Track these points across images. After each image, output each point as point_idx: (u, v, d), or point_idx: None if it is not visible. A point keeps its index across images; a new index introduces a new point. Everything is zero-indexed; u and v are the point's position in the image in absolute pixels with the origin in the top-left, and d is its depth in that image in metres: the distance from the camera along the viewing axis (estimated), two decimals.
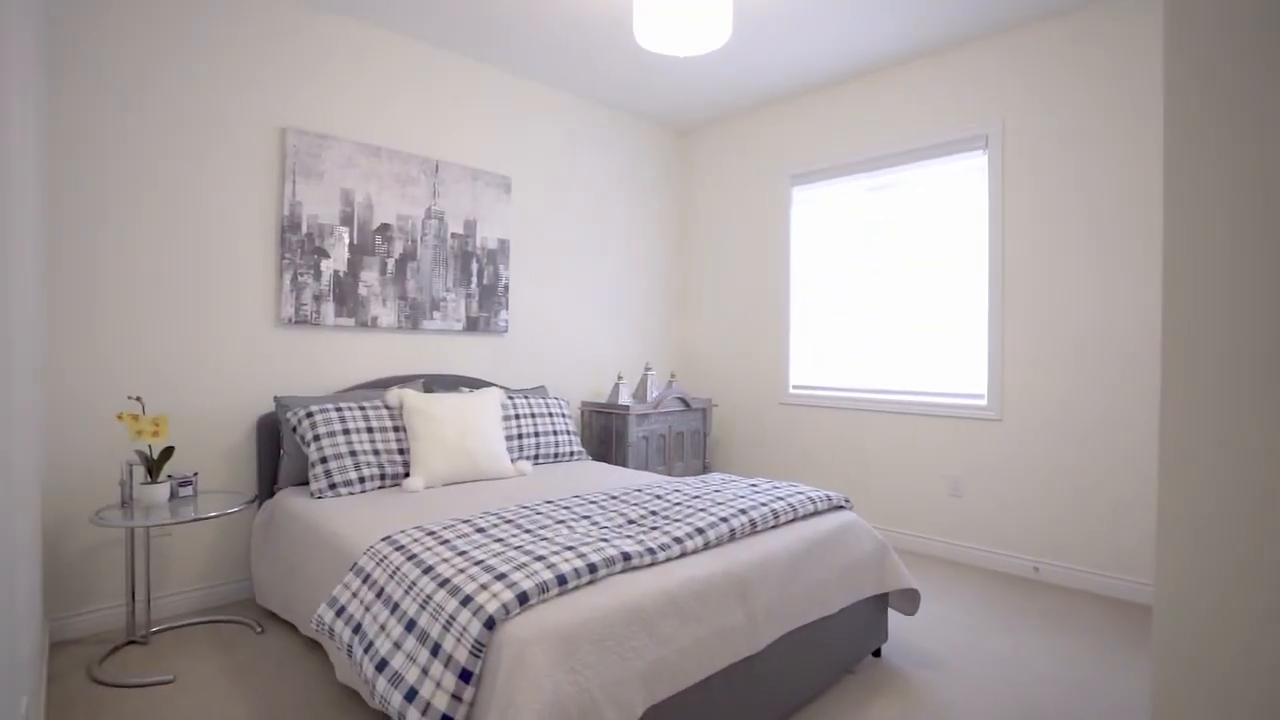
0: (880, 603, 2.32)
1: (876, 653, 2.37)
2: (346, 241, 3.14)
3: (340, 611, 1.75)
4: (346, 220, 3.14)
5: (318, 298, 3.05)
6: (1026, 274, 3.21)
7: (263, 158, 2.91)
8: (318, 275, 3.04)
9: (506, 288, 3.77)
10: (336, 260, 3.10)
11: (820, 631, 2.05)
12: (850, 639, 2.17)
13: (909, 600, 2.38)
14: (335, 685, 2.13)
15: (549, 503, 2.22)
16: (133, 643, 2.42)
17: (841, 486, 3.93)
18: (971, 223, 3.44)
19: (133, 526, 2.21)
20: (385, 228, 3.27)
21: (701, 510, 2.09)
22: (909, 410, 3.62)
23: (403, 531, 1.88)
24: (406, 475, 2.76)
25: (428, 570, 1.62)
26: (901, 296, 3.71)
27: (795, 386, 4.22)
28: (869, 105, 3.80)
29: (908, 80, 3.63)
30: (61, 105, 2.44)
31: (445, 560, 1.65)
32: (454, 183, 3.52)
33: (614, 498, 2.31)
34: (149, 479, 2.35)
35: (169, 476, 2.46)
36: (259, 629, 2.54)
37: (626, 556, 1.70)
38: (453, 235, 3.53)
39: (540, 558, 1.63)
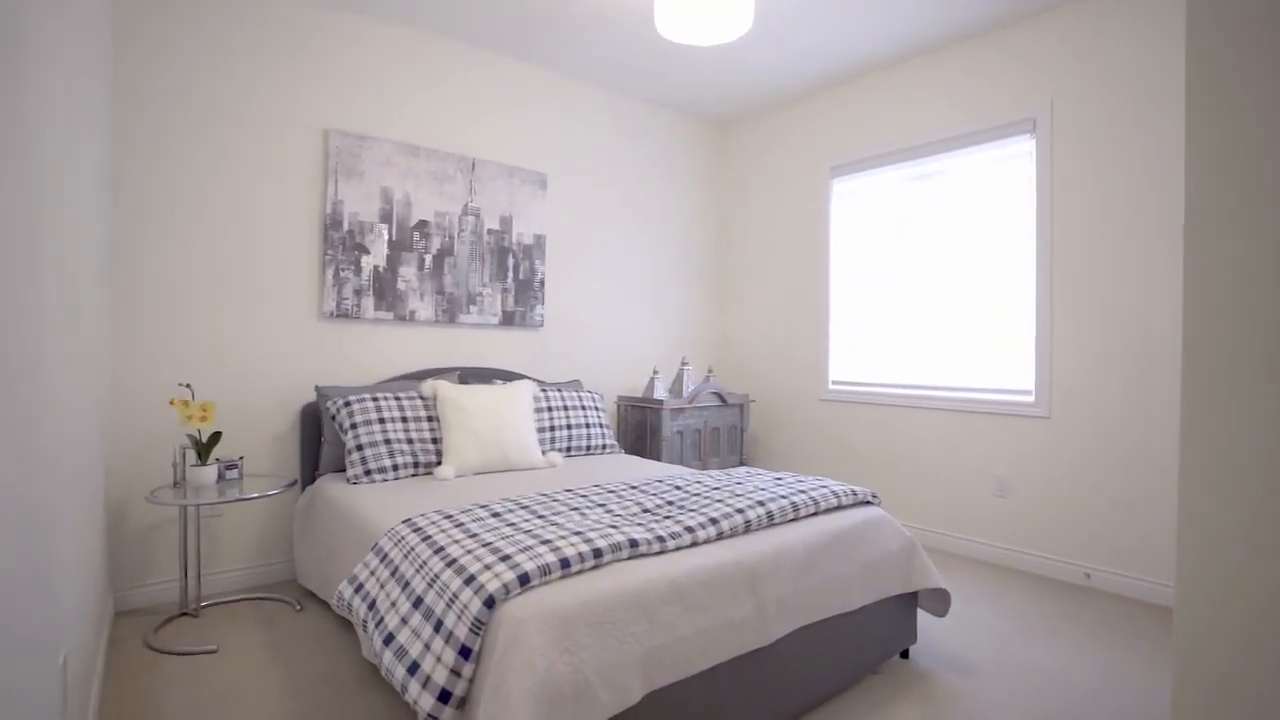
0: (908, 603, 2.24)
1: (905, 654, 2.29)
2: (386, 238, 3.25)
3: (359, 589, 1.82)
4: (386, 217, 3.25)
5: (358, 292, 3.17)
6: (1077, 264, 3.04)
7: (307, 158, 3.04)
8: (358, 270, 3.16)
9: (542, 283, 3.82)
10: (376, 256, 3.22)
11: (840, 628, 1.99)
12: (875, 638, 2.10)
13: (939, 601, 2.29)
14: (361, 661, 2.21)
15: (568, 491, 2.24)
16: (185, 614, 2.58)
17: (881, 484, 3.81)
18: (1018, 211, 3.28)
19: (183, 505, 2.36)
20: (423, 224, 3.37)
21: (718, 501, 2.07)
22: (953, 407, 3.48)
23: (422, 515, 1.94)
24: (439, 464, 2.83)
25: (439, 551, 1.67)
26: (946, 289, 3.57)
27: (835, 382, 4.12)
28: (909, 92, 3.68)
29: (947, 65, 3.49)
30: (125, 110, 2.62)
31: (456, 542, 1.69)
32: (490, 179, 3.60)
33: (633, 488, 2.31)
34: (199, 462, 2.50)
35: (216, 460, 2.61)
36: (298, 607, 2.66)
37: (634, 543, 1.70)
38: (489, 231, 3.61)
39: (546, 541, 1.64)
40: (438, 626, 1.47)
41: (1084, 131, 3.02)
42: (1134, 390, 2.85)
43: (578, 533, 1.72)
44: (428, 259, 3.39)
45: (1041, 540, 3.14)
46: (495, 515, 1.91)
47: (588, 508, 2.02)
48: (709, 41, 2.66)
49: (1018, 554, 3.22)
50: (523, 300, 3.74)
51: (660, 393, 3.96)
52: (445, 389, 2.96)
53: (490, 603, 1.42)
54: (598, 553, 1.62)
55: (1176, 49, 2.73)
